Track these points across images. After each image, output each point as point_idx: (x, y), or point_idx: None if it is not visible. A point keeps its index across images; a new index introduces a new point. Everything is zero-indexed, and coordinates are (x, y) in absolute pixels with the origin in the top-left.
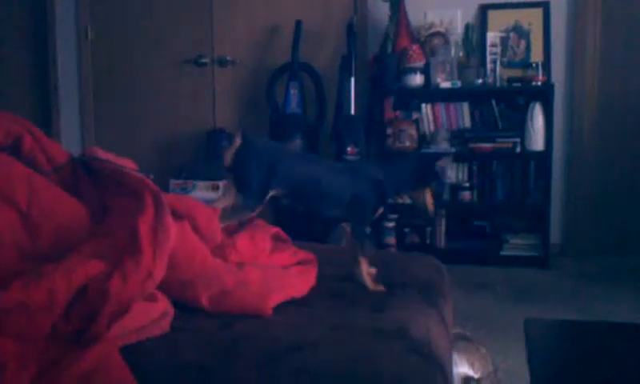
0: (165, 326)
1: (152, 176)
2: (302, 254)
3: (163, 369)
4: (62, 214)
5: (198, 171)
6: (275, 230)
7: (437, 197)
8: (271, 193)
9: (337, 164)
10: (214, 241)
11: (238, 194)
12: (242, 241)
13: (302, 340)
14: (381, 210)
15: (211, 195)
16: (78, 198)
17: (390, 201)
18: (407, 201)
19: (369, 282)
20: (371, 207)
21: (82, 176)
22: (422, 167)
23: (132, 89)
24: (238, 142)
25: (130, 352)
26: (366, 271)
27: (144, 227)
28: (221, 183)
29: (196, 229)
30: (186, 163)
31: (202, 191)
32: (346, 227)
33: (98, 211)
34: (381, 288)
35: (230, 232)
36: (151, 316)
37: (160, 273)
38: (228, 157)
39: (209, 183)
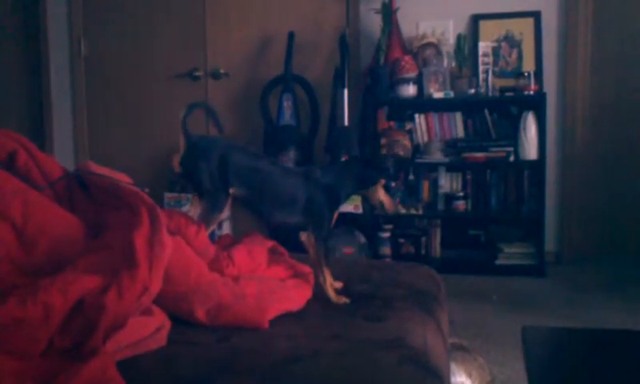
0: (161, 339)
1: (147, 189)
2: (299, 267)
3: (160, 383)
4: (57, 228)
5: None
6: (272, 243)
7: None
8: (232, 190)
9: (287, 167)
10: (207, 255)
11: (201, 199)
12: (239, 254)
13: (299, 352)
14: (336, 215)
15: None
16: (73, 213)
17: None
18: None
19: (332, 295)
20: (328, 212)
21: (77, 190)
22: (369, 165)
23: (126, 102)
24: (182, 145)
25: (126, 366)
26: (330, 283)
27: (140, 241)
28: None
29: (189, 244)
30: (181, 176)
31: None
32: (306, 238)
33: (93, 225)
34: (344, 300)
35: (226, 246)
36: (148, 330)
37: (156, 287)
38: (176, 163)
39: None
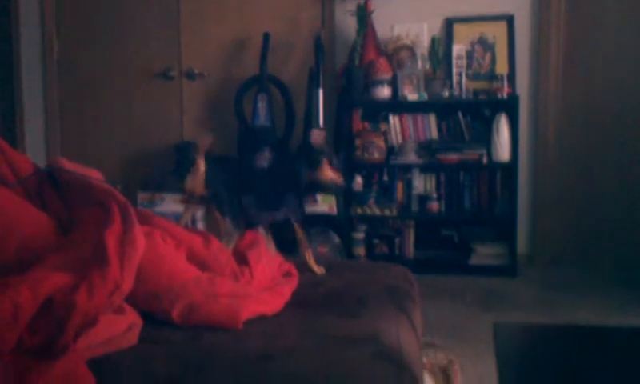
0: (133, 338)
1: (119, 186)
2: (286, 266)
3: (132, 381)
4: (26, 225)
5: (166, 184)
6: (280, 258)
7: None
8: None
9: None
10: (220, 266)
11: (223, 218)
12: (258, 269)
13: (273, 349)
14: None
15: (179, 208)
16: (44, 210)
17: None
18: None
19: (314, 266)
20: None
21: (48, 187)
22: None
23: (99, 101)
24: (201, 166)
25: (97, 365)
26: (311, 257)
27: (111, 239)
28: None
29: (193, 255)
30: (154, 176)
31: (169, 204)
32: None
33: (64, 223)
34: (323, 270)
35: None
36: (119, 328)
37: (128, 285)
38: (197, 184)
39: (177, 196)
